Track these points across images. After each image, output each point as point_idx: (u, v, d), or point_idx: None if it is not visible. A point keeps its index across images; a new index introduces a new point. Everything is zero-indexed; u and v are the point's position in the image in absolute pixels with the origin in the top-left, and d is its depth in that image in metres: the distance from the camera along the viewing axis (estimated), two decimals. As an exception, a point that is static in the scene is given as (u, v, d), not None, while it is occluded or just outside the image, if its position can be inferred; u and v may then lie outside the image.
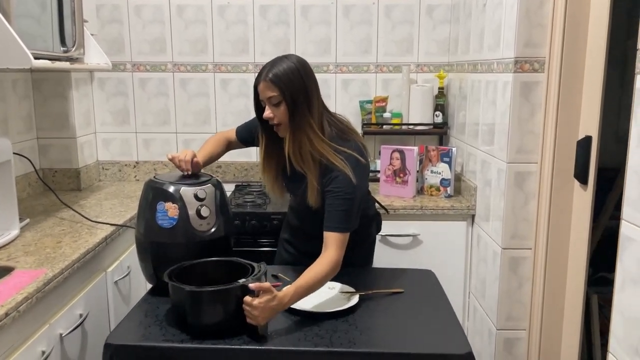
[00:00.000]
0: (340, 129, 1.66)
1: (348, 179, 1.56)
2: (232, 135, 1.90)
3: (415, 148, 2.45)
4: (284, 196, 1.81)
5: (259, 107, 1.63)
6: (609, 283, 1.35)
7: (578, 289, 1.77)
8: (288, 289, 1.39)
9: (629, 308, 1.22)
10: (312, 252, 1.54)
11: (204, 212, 1.53)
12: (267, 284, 1.32)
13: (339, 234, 1.53)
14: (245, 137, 1.88)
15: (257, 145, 1.84)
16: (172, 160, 1.68)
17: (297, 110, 1.56)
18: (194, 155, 1.70)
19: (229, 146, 1.91)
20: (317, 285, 1.45)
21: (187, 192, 1.53)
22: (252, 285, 1.31)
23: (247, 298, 1.30)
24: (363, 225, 1.72)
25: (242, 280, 1.33)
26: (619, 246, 1.25)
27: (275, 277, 1.66)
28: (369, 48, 2.78)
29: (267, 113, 1.58)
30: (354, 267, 1.75)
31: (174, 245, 1.52)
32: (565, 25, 1.73)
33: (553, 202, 1.83)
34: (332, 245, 1.52)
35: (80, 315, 1.66)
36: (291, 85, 1.55)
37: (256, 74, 1.62)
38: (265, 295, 1.31)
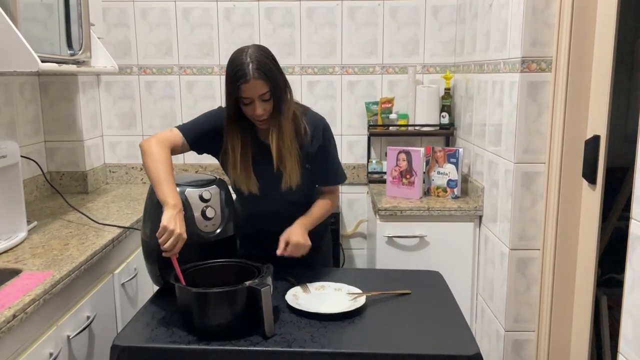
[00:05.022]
0: (300, 106, 1.74)
1: (330, 133, 1.78)
2: (176, 140, 1.64)
3: (422, 149, 2.44)
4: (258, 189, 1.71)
5: (234, 106, 1.59)
6: (619, 284, 1.34)
7: (587, 290, 1.75)
8: (302, 219, 1.70)
9: (638, 308, 1.20)
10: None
11: (209, 213, 1.53)
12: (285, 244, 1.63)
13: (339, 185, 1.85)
14: (197, 142, 1.69)
15: (204, 150, 1.74)
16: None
17: (284, 102, 1.60)
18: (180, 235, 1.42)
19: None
20: (324, 216, 1.80)
21: (192, 193, 1.53)
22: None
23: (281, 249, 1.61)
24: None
25: (248, 282, 1.33)
26: (628, 246, 1.24)
27: (288, 280, 1.66)
28: (374, 49, 2.78)
29: (260, 110, 1.55)
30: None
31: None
32: (573, 23, 1.72)
33: (561, 203, 1.82)
34: (332, 190, 1.84)
35: (88, 317, 1.66)
36: (275, 78, 1.56)
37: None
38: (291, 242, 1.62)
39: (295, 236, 1.62)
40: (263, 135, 1.70)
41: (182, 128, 1.68)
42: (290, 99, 1.64)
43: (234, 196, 1.73)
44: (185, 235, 1.41)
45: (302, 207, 1.79)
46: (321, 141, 1.73)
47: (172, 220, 1.39)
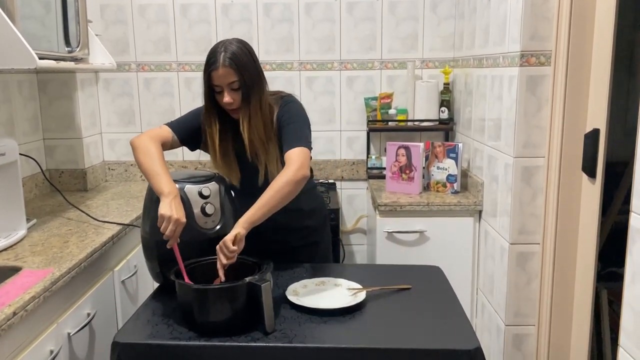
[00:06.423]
0: (276, 96, 1.74)
1: (294, 105, 1.69)
2: (166, 135, 1.68)
3: (421, 144, 2.44)
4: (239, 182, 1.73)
5: (209, 94, 1.63)
6: (619, 278, 1.34)
7: (587, 284, 1.75)
8: (246, 214, 1.47)
9: (639, 301, 1.20)
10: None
11: (209, 209, 1.53)
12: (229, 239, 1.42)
13: (299, 149, 1.57)
14: (186, 137, 1.72)
15: (196, 145, 1.76)
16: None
17: (254, 93, 1.61)
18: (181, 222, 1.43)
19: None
20: (279, 200, 1.50)
21: (192, 189, 1.53)
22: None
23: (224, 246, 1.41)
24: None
25: (248, 278, 1.33)
26: (628, 239, 1.24)
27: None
28: (373, 45, 2.77)
29: (228, 99, 1.59)
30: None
31: (179, 243, 1.51)
32: (572, 17, 1.71)
33: (561, 197, 1.82)
34: (295, 158, 1.54)
35: (88, 315, 1.66)
36: (247, 69, 1.59)
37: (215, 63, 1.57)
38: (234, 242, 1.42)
39: (222, 246, 1.42)
40: None
41: (171, 124, 1.73)
42: (263, 93, 1.65)
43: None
44: (184, 220, 1.42)
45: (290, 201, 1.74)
46: (284, 114, 1.69)
47: (167, 208, 1.41)
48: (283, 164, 1.64)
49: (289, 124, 1.65)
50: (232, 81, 1.57)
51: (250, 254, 1.51)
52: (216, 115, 1.66)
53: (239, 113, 1.63)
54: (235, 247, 1.41)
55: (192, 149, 1.79)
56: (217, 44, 1.62)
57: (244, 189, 1.73)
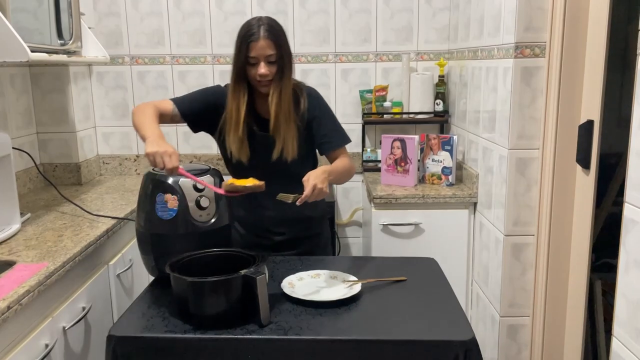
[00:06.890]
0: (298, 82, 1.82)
1: (322, 99, 1.81)
2: (166, 106, 1.72)
3: (416, 137, 2.44)
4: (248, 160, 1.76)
5: (241, 68, 1.66)
6: (612, 269, 1.35)
7: (581, 274, 1.76)
8: (324, 166, 1.59)
9: (632, 291, 1.21)
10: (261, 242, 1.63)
11: (204, 202, 1.52)
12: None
13: (345, 149, 1.79)
14: (189, 113, 1.75)
15: (197, 125, 1.80)
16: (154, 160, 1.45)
17: (287, 68, 1.68)
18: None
19: (159, 120, 1.70)
20: (346, 174, 1.71)
21: (186, 183, 1.52)
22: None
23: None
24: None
25: (243, 271, 1.33)
26: (622, 229, 1.24)
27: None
28: (368, 37, 2.76)
29: (265, 70, 1.63)
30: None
31: (174, 236, 1.51)
32: (566, 8, 1.71)
33: (555, 188, 1.82)
34: (346, 154, 1.77)
35: (83, 308, 1.66)
36: (283, 45, 1.67)
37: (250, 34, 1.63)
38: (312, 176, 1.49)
39: (315, 178, 1.48)
40: (262, 110, 1.74)
41: (175, 99, 1.77)
42: (292, 70, 1.72)
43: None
44: (172, 149, 1.45)
45: (298, 187, 1.74)
46: (317, 108, 1.78)
47: (152, 145, 1.44)
48: (300, 143, 1.72)
49: (330, 113, 1.81)
50: (270, 54, 1.63)
51: (252, 246, 1.50)
52: (246, 89, 1.70)
53: (270, 86, 1.67)
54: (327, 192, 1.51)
55: (194, 129, 1.81)
56: (251, 19, 1.68)
57: (254, 163, 1.75)
